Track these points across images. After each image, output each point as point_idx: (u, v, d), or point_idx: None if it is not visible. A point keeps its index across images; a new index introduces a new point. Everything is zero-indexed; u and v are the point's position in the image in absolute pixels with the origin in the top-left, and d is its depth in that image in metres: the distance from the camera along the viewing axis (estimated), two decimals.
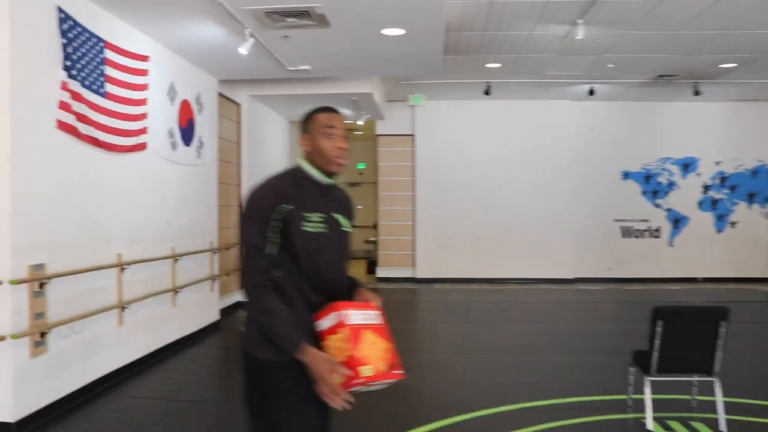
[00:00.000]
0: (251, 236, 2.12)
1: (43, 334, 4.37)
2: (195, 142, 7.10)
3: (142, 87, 5.85)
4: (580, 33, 6.85)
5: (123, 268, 5.45)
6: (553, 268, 12.01)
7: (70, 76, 4.69)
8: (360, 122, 10.88)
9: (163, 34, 5.97)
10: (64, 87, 4.63)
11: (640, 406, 4.37)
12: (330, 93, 9.03)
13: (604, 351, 6.48)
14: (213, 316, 7.65)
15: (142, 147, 5.89)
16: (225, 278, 8.14)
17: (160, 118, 6.23)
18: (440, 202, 12.02)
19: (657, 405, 4.35)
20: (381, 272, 12.41)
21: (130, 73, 5.62)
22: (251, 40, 5.82)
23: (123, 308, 5.46)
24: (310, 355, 2.01)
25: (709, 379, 4.28)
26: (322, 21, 5.63)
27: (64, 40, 4.63)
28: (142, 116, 5.84)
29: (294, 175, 2.25)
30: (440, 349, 6.95)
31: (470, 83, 10.37)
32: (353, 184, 15.20)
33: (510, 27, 7.43)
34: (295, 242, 2.12)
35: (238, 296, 9.03)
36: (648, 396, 4.27)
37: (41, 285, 4.36)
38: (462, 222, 12.02)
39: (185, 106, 6.83)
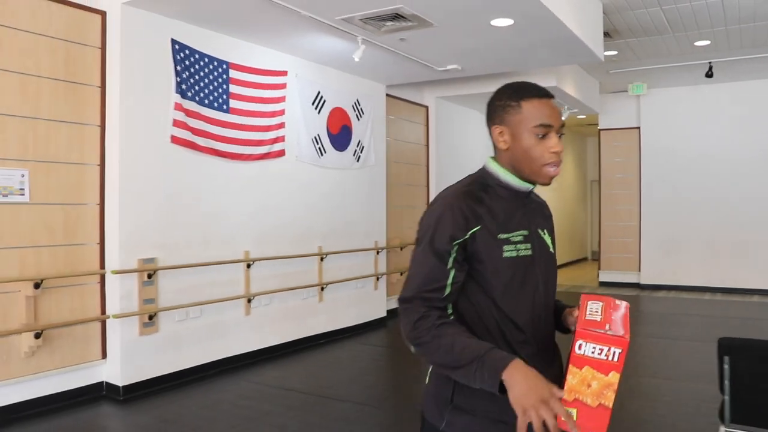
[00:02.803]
0: (419, 267, 1.57)
1: (151, 317, 5.20)
2: (351, 147, 7.51)
3: (278, 100, 6.45)
4: None
5: (249, 264, 6.10)
6: None
7: (185, 97, 5.46)
8: (563, 117, 10.09)
9: (299, 49, 6.46)
10: (178, 107, 5.41)
11: None
12: None
13: None
14: (377, 313, 8.00)
15: (278, 154, 6.49)
16: (399, 277, 8.40)
17: (303, 127, 6.77)
18: (669, 200, 10.57)
19: None
20: (603, 276, 11.43)
21: (261, 89, 6.25)
22: (362, 47, 5.99)
23: (249, 300, 6.12)
24: (515, 369, 1.38)
25: None
26: (420, 20, 5.53)
27: (178, 67, 5.41)
28: (277, 126, 6.44)
29: (481, 182, 1.67)
30: None
31: (687, 66, 8.93)
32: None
33: None
34: (493, 274, 1.57)
35: None
36: None
37: (149, 275, 5.19)
38: (694, 223, 10.43)
39: (337, 114, 7.28)
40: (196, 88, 5.60)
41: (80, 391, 4.89)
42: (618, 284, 11.18)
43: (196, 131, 5.58)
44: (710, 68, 8.72)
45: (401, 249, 8.54)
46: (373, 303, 7.95)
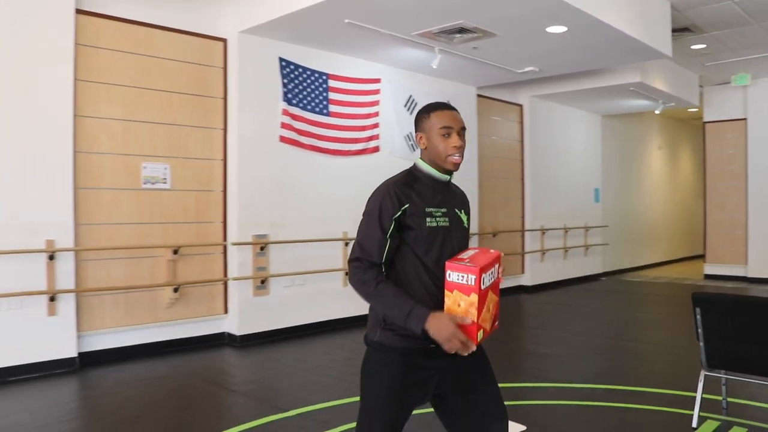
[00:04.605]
0: (366, 236, 2.14)
1: (263, 282, 6.46)
2: None
3: (372, 104, 7.53)
4: None
5: (347, 243, 7.23)
6: None
7: (291, 104, 6.69)
8: (657, 111, 10.30)
9: (390, 59, 7.49)
10: (285, 113, 6.65)
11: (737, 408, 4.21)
12: (603, 86, 9.15)
13: None
14: None
15: (374, 150, 7.57)
16: None
17: (396, 126, 7.80)
18: None
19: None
20: (709, 269, 11.34)
21: (356, 95, 7.36)
22: (439, 57, 6.92)
23: (346, 273, 7.22)
24: (432, 319, 2.00)
25: None
26: (484, 32, 6.35)
27: (285, 80, 6.65)
28: (372, 126, 7.53)
29: (412, 175, 2.24)
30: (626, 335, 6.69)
31: None
32: None
33: None
34: (419, 238, 2.12)
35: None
36: (699, 392, 3.93)
37: (262, 248, 6.45)
38: None
39: None
40: (300, 96, 6.81)
41: (208, 338, 6.26)
42: (724, 277, 11.10)
43: (300, 132, 6.79)
44: None
45: (494, 236, 9.30)
46: None
